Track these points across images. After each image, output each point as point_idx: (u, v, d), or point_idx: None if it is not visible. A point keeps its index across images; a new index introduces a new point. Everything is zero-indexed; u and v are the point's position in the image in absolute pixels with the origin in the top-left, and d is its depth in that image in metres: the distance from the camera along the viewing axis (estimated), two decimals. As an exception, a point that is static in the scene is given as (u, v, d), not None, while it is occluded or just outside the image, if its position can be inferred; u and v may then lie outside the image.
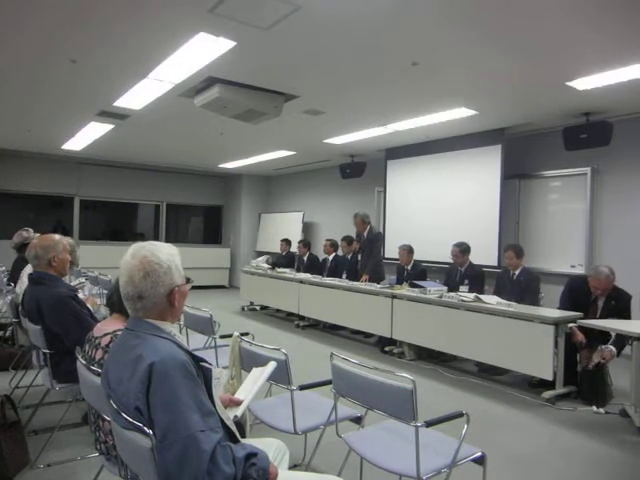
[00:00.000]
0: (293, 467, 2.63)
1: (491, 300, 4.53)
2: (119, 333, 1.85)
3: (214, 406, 1.40)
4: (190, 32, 3.60)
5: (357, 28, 3.45)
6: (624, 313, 4.02)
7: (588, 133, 5.30)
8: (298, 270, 7.69)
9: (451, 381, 4.52)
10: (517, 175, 6.50)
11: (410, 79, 4.47)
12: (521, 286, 4.74)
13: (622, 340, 3.76)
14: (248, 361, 2.44)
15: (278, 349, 2.22)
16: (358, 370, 2.03)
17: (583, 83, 4.38)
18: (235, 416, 1.69)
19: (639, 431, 3.31)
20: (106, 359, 1.62)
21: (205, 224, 12.79)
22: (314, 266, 7.54)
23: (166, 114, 5.89)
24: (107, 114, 6.00)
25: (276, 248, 8.81)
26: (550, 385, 3.98)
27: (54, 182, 9.95)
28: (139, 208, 11.79)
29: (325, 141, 7.25)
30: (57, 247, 2.79)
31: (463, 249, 5.44)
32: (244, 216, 11.56)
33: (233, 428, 1.50)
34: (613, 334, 3.85)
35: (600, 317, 4.07)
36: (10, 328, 4.52)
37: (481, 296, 4.65)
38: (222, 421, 1.44)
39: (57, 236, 2.89)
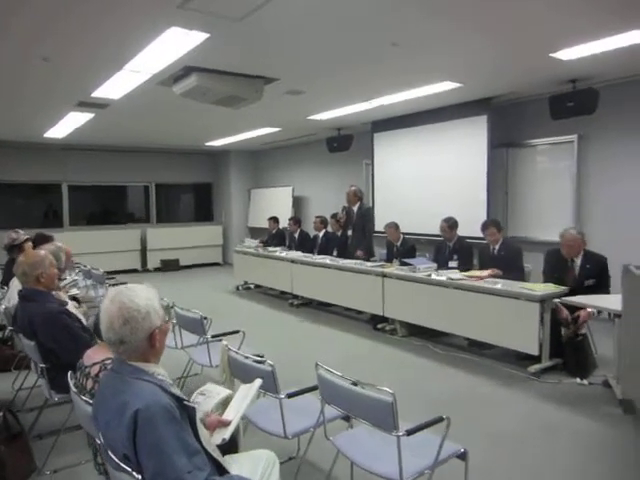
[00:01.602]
0: (288, 460, 2.77)
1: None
2: (107, 362, 1.92)
3: (200, 442, 1.48)
4: (162, 27, 3.51)
5: (333, 12, 3.35)
6: (602, 275, 4.15)
7: (574, 101, 5.22)
8: (290, 247, 7.74)
9: (441, 358, 4.66)
10: (504, 144, 6.47)
11: (391, 58, 4.39)
12: (504, 260, 4.80)
13: None
14: (237, 370, 2.53)
15: (264, 361, 2.29)
16: (341, 381, 2.11)
17: (567, 54, 4.30)
18: (223, 439, 1.77)
19: (620, 403, 3.45)
20: (96, 395, 1.69)
21: (196, 202, 12.72)
22: (305, 243, 7.58)
23: (146, 100, 5.77)
24: (86, 104, 5.89)
25: (267, 224, 8.81)
26: (537, 358, 4.11)
27: (40, 170, 9.83)
28: (128, 190, 11.70)
29: (309, 118, 7.15)
30: (44, 263, 2.82)
31: (451, 224, 5.47)
32: (234, 192, 11.51)
33: (220, 459, 1.58)
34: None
35: (578, 282, 4.19)
36: (8, 330, 4.58)
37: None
38: (208, 453, 1.52)
39: (43, 251, 2.93)
